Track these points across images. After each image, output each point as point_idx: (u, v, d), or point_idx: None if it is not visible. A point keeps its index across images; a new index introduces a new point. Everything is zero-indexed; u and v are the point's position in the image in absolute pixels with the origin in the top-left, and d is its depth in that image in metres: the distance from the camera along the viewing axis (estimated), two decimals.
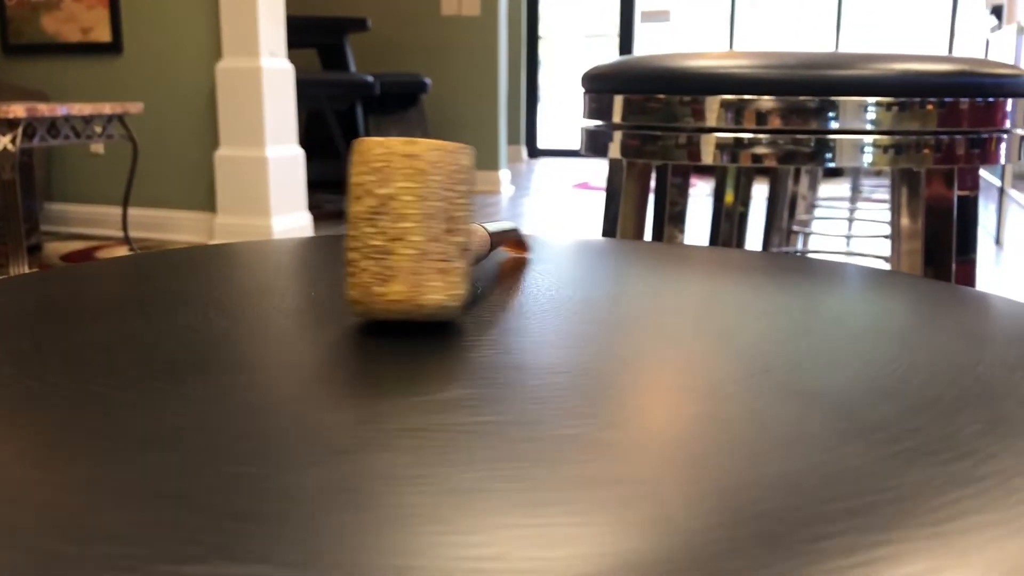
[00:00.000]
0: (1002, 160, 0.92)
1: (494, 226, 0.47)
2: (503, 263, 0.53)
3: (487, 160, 5.78)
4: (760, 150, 0.88)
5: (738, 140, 0.89)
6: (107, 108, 3.03)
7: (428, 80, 4.87)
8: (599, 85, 0.98)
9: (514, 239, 0.53)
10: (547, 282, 0.48)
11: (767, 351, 0.35)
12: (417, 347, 0.35)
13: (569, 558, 0.19)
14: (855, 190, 3.72)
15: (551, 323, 0.40)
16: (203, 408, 0.28)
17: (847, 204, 3.92)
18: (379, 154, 0.35)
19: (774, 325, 0.39)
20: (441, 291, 0.35)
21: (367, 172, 0.35)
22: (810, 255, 3.11)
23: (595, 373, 0.32)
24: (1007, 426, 0.26)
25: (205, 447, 0.25)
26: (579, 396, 0.30)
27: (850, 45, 7.80)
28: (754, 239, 3.78)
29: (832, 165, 0.87)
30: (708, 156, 0.91)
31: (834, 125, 0.87)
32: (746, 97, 0.88)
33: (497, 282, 0.48)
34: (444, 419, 0.28)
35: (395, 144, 0.35)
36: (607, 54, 8.40)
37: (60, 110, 2.85)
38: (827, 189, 5.79)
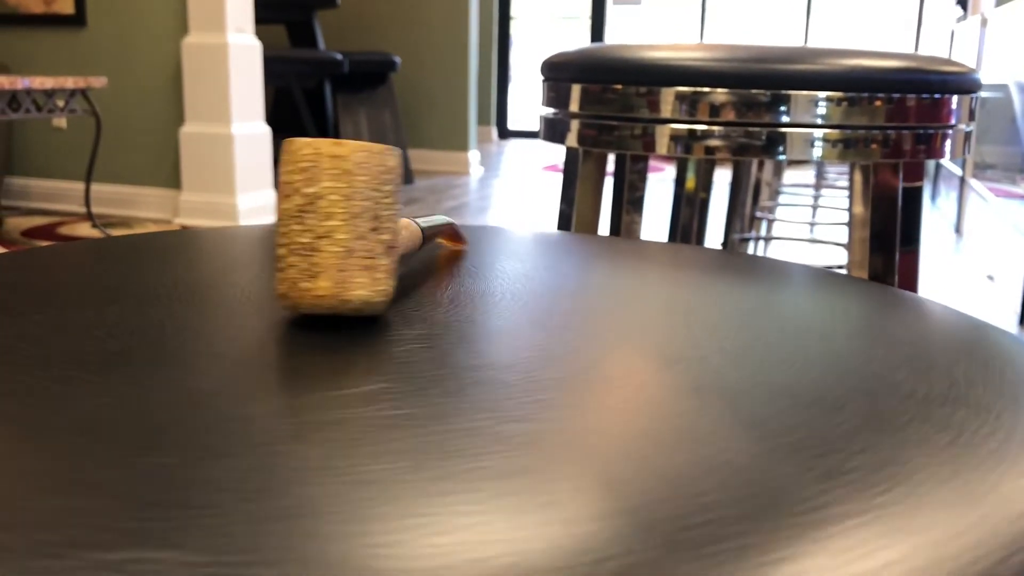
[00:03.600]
0: (947, 155, 0.94)
1: (427, 221, 0.48)
2: (439, 256, 0.54)
3: (456, 141, 5.76)
4: (713, 142, 0.90)
5: (692, 132, 0.90)
6: (70, 82, 2.99)
7: (398, 59, 4.85)
8: (558, 73, 0.99)
9: (449, 233, 0.54)
10: (481, 277, 0.49)
11: (680, 347, 0.37)
12: (341, 341, 0.36)
13: (462, 543, 0.20)
14: (819, 177, 3.76)
15: (477, 318, 0.41)
16: (126, 399, 0.29)
17: (811, 191, 3.96)
18: (307, 154, 0.36)
19: (689, 322, 0.41)
20: (366, 287, 0.36)
21: (295, 171, 0.36)
22: (772, 241, 3.15)
23: (515, 368, 0.33)
24: (880, 422, 0.28)
25: (124, 437, 0.26)
26: (496, 390, 0.31)
27: (821, 30, 7.86)
28: (717, 225, 3.82)
29: (783, 158, 0.88)
30: (663, 147, 0.92)
31: (785, 119, 0.88)
32: (700, 89, 0.90)
33: (429, 277, 0.49)
34: (360, 412, 0.29)
35: (323, 145, 0.36)
36: (579, 36, 8.39)
37: (21, 83, 2.81)
38: (792, 175, 5.85)
